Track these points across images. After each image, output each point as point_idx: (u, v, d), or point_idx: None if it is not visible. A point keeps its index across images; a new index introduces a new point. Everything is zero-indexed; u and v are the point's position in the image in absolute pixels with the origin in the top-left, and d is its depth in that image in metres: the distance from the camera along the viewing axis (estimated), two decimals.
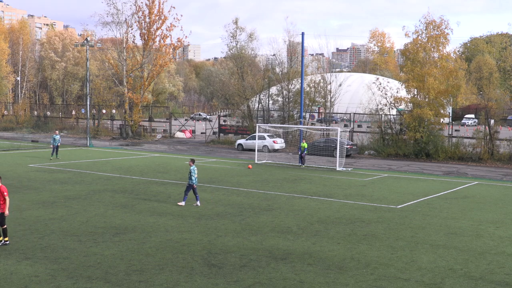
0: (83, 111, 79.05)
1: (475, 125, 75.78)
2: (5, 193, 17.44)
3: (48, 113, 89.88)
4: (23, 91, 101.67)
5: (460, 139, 50.37)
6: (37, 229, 19.68)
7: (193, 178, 24.48)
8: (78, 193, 27.38)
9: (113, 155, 47.31)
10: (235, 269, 15.46)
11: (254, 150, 47.05)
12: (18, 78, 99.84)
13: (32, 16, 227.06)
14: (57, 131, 46.31)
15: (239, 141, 55.81)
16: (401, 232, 20.36)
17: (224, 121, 70.38)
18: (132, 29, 66.49)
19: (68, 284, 13.98)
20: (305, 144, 42.35)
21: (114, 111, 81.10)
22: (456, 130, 63.06)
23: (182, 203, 24.70)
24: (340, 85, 60.94)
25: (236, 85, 65.44)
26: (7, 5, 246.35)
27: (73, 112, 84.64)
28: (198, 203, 24.72)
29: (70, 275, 14.71)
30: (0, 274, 14.72)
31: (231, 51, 65.61)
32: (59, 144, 43.51)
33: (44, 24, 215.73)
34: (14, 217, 21.41)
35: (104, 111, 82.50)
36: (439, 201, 27.60)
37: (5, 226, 17.52)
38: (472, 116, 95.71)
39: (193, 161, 25.12)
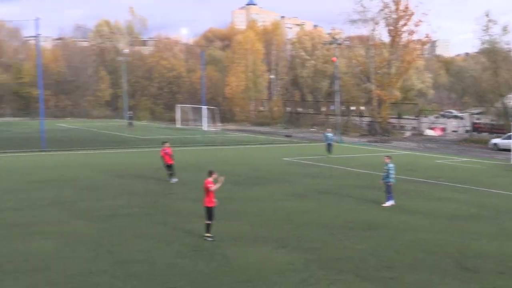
0: (332, 108, 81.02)
1: None
2: (210, 186, 17.20)
3: (300, 109, 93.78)
4: (276, 88, 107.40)
5: None
6: (290, 219, 20.62)
7: (391, 176, 23.37)
8: (329, 187, 28.10)
9: (361, 152, 47.78)
10: (491, 275, 14.55)
11: (509, 150, 43.96)
12: (273, 76, 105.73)
13: (283, 17, 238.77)
14: (328, 129, 46.40)
15: (494, 140, 52.62)
16: None
17: (477, 119, 66.92)
18: (378, 26, 66.55)
19: (320, 275, 14.41)
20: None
21: (362, 108, 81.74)
22: None
23: (390, 203, 23.55)
24: None
25: (489, 81, 61.87)
26: (261, 8, 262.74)
27: (323, 109, 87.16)
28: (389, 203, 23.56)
29: (322, 265, 15.16)
30: (256, 259, 15.68)
31: (483, 46, 62.19)
32: (332, 142, 43.75)
33: (294, 24, 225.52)
34: (268, 207, 22.77)
35: (352, 108, 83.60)
36: None
37: (209, 222, 17.41)
38: None
39: (389, 157, 24.04)
